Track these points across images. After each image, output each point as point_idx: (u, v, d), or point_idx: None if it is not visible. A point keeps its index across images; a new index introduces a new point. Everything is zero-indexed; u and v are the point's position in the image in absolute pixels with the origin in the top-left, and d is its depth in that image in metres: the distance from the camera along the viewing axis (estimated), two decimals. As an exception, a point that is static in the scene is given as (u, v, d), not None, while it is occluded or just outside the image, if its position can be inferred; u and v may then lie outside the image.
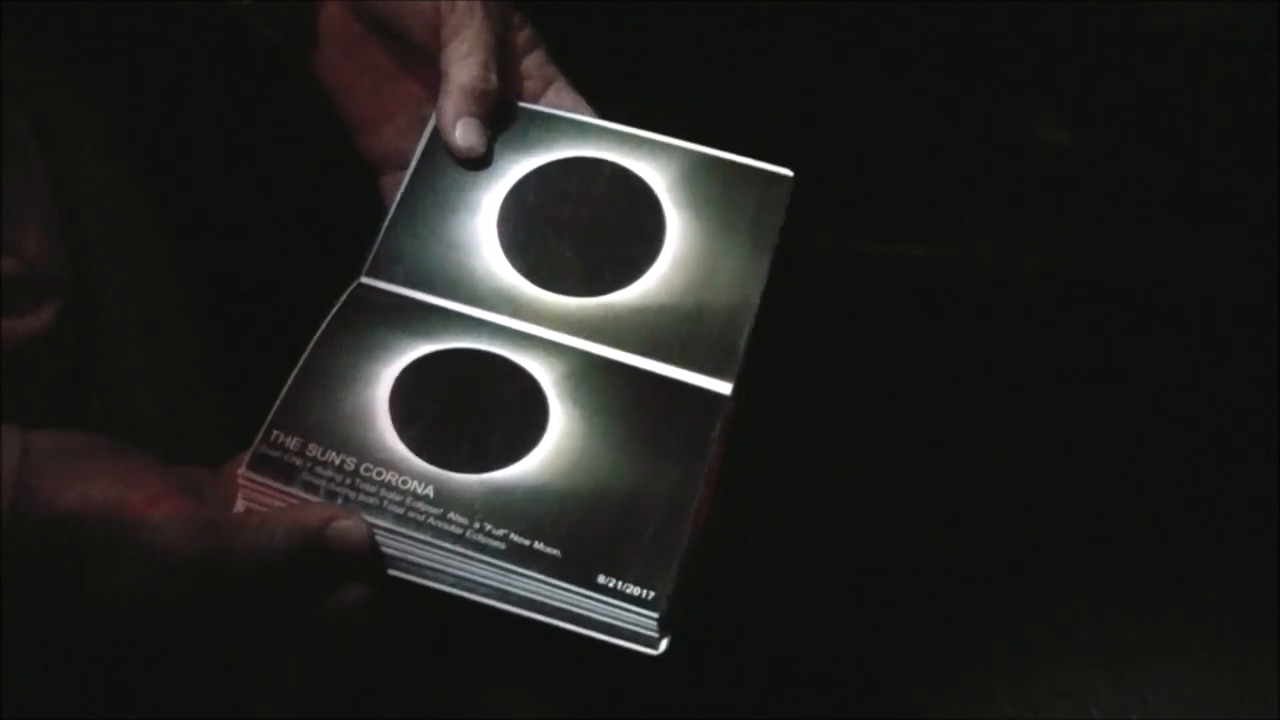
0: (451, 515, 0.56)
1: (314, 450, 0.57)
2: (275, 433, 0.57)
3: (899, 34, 1.20)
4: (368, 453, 0.57)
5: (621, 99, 0.69)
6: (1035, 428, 1.15)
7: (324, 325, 0.61)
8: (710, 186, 0.66)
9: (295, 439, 0.57)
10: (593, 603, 0.54)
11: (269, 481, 0.56)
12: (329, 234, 0.99)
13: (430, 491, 0.56)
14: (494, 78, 0.65)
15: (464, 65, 0.64)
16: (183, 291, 0.76)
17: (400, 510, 0.56)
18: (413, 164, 0.66)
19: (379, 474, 0.57)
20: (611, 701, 0.89)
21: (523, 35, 0.69)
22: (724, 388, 0.62)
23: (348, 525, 0.54)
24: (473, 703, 0.81)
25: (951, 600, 1.09)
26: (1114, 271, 1.20)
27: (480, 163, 0.66)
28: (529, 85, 0.69)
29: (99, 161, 0.72)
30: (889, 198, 1.24)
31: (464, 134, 0.65)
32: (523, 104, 0.68)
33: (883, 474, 1.13)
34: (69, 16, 0.72)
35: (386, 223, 0.65)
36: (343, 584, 0.54)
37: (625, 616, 0.55)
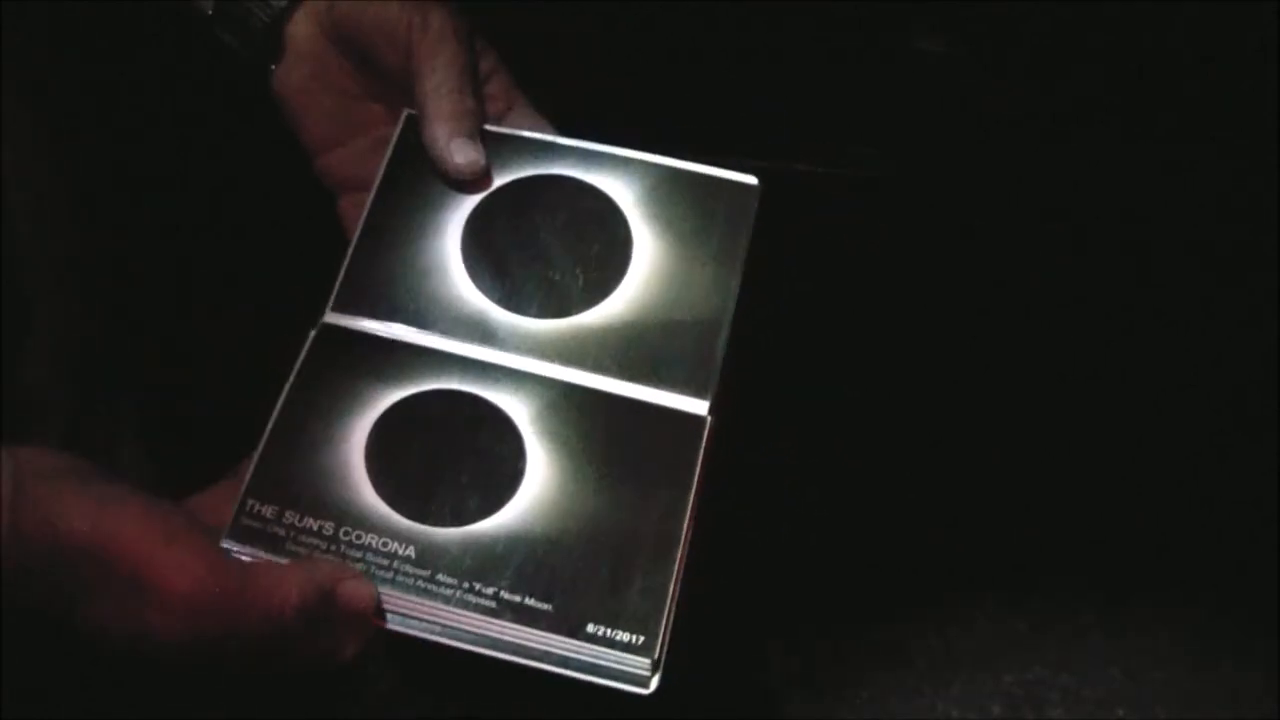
0: (439, 577, 0.56)
1: (291, 517, 0.57)
2: (251, 502, 0.57)
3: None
4: (346, 516, 0.57)
5: (579, 113, 0.69)
6: (1035, 428, 1.15)
7: (292, 377, 0.60)
8: (676, 199, 0.66)
9: (271, 508, 0.57)
10: (583, 650, 0.54)
11: (257, 553, 0.56)
12: (247, 238, 0.96)
13: (412, 552, 0.56)
14: (472, 99, 0.66)
15: (443, 90, 0.65)
16: (97, 285, 0.74)
17: (388, 575, 0.56)
18: (373, 192, 0.66)
19: (359, 537, 0.56)
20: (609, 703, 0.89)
21: (486, 60, 0.69)
22: (701, 407, 0.61)
23: (357, 585, 0.55)
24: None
25: (952, 600, 1.09)
26: (1114, 270, 1.20)
27: (478, 180, 0.66)
28: (492, 108, 0.70)
29: (31, 151, 0.71)
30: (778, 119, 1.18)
31: (462, 152, 0.65)
32: (486, 127, 0.68)
33: (882, 474, 1.13)
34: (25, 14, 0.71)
35: (349, 255, 0.64)
36: (343, 636, 0.55)
37: (615, 658, 0.55)
